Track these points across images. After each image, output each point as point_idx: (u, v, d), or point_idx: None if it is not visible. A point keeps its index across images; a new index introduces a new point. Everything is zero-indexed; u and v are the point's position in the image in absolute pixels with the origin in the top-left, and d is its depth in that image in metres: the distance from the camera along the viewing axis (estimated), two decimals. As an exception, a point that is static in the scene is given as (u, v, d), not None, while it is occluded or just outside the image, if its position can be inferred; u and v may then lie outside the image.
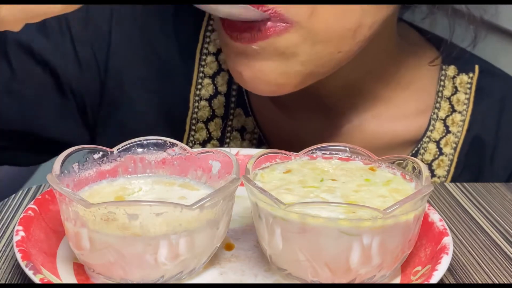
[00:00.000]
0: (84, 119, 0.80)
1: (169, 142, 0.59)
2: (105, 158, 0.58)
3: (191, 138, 0.80)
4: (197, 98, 0.79)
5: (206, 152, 0.58)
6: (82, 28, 0.78)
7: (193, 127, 0.80)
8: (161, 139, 0.59)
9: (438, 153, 0.79)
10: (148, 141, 0.59)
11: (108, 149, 0.58)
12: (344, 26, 0.63)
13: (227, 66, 0.79)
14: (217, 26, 0.66)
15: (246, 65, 0.65)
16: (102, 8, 0.78)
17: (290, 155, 0.60)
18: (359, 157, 0.60)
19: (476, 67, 0.81)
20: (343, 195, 0.54)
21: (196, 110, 0.79)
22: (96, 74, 0.78)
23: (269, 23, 0.62)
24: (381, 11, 0.66)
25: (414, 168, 0.56)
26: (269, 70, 0.64)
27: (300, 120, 0.79)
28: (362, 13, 0.64)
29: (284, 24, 0.62)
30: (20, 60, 0.77)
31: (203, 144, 0.80)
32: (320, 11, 0.62)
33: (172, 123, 0.80)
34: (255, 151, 0.60)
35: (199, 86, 0.79)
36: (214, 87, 0.79)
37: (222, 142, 0.80)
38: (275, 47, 0.63)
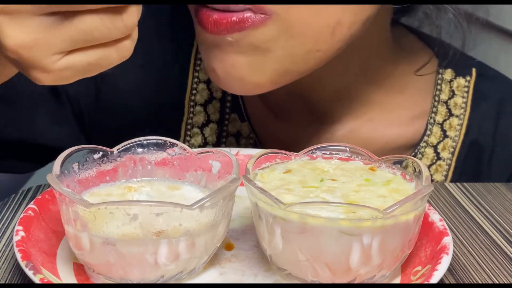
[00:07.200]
0: (80, 125, 0.80)
1: (169, 142, 0.59)
2: (105, 158, 0.58)
3: (187, 144, 0.80)
4: (192, 103, 0.79)
5: (206, 152, 0.58)
6: None
7: (188, 133, 0.80)
8: (161, 139, 0.59)
9: (435, 157, 0.79)
10: (148, 141, 0.59)
11: (108, 149, 0.58)
12: (321, 22, 0.62)
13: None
14: (195, 23, 0.66)
15: (219, 59, 0.63)
16: None
17: (290, 155, 0.60)
18: (359, 157, 0.60)
19: (473, 70, 0.81)
20: (343, 195, 0.54)
21: (191, 115, 0.79)
22: (92, 80, 0.78)
23: (247, 14, 0.61)
24: (362, 11, 0.64)
25: (414, 168, 0.56)
26: (242, 65, 0.63)
27: (295, 125, 0.79)
28: (340, 10, 0.62)
29: (262, 16, 0.61)
30: None
31: None
32: (298, 4, 0.61)
33: (167, 129, 0.80)
34: (255, 151, 0.60)
35: (194, 92, 0.79)
36: (209, 93, 0.79)
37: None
38: (250, 41, 0.62)
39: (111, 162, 0.58)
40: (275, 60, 0.63)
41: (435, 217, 0.57)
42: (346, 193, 0.54)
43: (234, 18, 0.61)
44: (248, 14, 0.61)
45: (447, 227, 0.56)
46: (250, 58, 0.63)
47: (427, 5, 0.73)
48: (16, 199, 0.66)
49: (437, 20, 0.75)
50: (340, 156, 0.60)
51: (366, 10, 0.65)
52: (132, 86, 0.79)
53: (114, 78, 0.78)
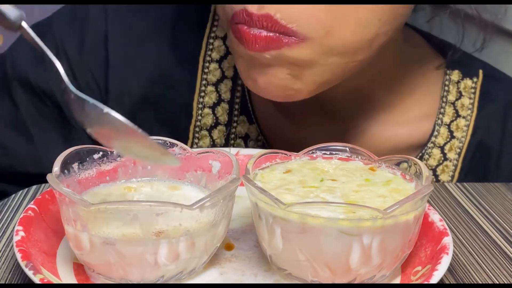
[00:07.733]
0: (94, 142, 0.80)
1: (169, 142, 0.59)
2: (105, 158, 0.58)
3: (195, 146, 0.79)
4: (200, 105, 0.79)
5: (206, 152, 0.58)
6: (78, 53, 0.78)
7: (197, 135, 0.80)
8: (161, 139, 0.59)
9: (442, 158, 0.78)
10: (148, 141, 0.59)
11: (108, 149, 0.58)
12: (362, 39, 0.62)
13: (231, 73, 0.79)
14: (228, 33, 0.65)
15: (260, 71, 0.64)
16: (96, 30, 0.78)
17: (290, 155, 0.60)
18: (359, 157, 0.60)
19: (480, 71, 0.81)
20: (343, 195, 0.54)
21: (199, 117, 0.79)
22: (98, 97, 0.78)
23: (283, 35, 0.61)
24: (398, 19, 0.64)
25: (414, 168, 0.56)
26: (283, 75, 0.63)
27: (304, 126, 0.79)
28: (380, 24, 0.62)
29: (296, 39, 0.61)
30: (21, 96, 0.78)
31: None
32: (337, 29, 0.61)
33: (175, 132, 0.79)
34: (255, 151, 0.60)
35: (203, 94, 0.79)
36: (217, 95, 0.79)
37: None
38: (287, 58, 0.62)
39: (111, 162, 0.58)
40: (314, 74, 0.64)
41: (435, 217, 0.57)
42: (346, 193, 0.54)
43: (271, 34, 0.60)
44: (282, 36, 0.61)
45: (447, 227, 0.56)
46: (289, 71, 0.63)
47: (454, 8, 0.73)
48: (16, 199, 0.66)
49: (459, 22, 0.75)
50: (340, 156, 0.60)
51: (402, 16, 0.65)
52: (137, 97, 0.79)
53: (119, 92, 0.78)
